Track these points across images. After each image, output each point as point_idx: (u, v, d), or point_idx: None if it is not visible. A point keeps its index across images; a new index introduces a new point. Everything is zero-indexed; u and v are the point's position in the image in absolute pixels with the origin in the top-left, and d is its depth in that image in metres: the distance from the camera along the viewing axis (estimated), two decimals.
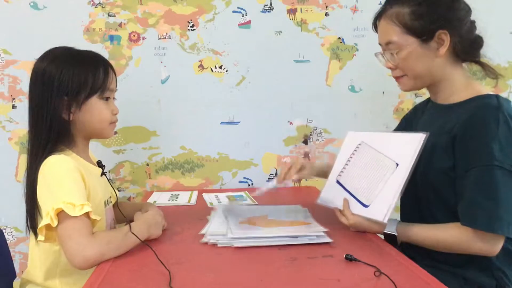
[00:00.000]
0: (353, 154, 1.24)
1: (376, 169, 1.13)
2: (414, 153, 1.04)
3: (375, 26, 1.19)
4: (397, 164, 1.08)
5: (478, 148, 1.00)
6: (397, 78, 1.17)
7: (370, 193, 1.12)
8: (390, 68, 1.16)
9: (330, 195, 1.25)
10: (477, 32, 1.11)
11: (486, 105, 1.03)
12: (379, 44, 1.17)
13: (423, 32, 1.07)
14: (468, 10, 1.10)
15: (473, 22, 1.11)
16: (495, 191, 0.97)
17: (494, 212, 0.96)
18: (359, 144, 1.23)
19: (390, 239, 1.09)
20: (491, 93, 1.07)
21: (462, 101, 1.09)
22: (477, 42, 1.11)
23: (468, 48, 1.09)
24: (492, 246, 0.99)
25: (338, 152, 1.31)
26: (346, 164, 1.25)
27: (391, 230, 1.09)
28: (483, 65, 1.13)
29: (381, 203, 1.08)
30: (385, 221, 1.05)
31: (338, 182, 1.25)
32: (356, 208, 1.14)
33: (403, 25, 1.08)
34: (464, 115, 1.04)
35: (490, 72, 1.12)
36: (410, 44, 1.09)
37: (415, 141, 1.05)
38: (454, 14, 1.07)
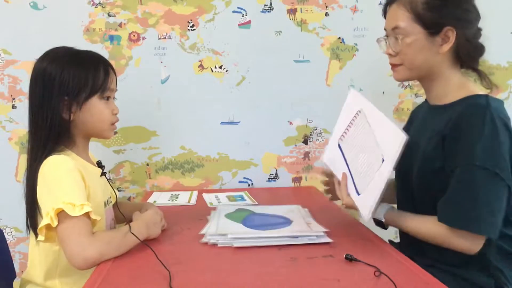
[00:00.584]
0: (353, 120, 1.18)
1: (369, 154, 1.09)
2: (394, 156, 1.00)
3: (385, 11, 1.18)
4: (383, 160, 1.04)
5: (463, 148, 1.00)
6: (393, 66, 1.17)
7: (363, 180, 1.09)
8: (389, 54, 1.16)
9: (332, 157, 1.22)
10: (481, 40, 1.11)
11: (474, 105, 1.03)
12: (385, 29, 1.17)
13: (432, 24, 1.07)
14: (477, 16, 1.10)
15: (479, 29, 1.11)
16: (474, 191, 0.97)
17: (471, 211, 0.97)
18: (359, 111, 1.17)
19: (380, 223, 1.12)
20: (482, 93, 1.08)
21: (454, 101, 1.09)
22: (479, 49, 1.11)
23: (470, 52, 1.09)
24: (470, 244, 0.99)
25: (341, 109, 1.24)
26: (347, 129, 1.19)
27: (379, 216, 1.10)
28: (480, 74, 1.13)
29: (368, 198, 1.05)
30: (367, 219, 1.05)
31: (339, 146, 1.21)
32: (351, 190, 1.12)
33: (414, 13, 1.08)
34: (453, 115, 1.05)
35: (485, 82, 1.12)
36: (417, 33, 1.09)
37: (396, 141, 0.99)
38: (465, 15, 1.08)
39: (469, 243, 0.99)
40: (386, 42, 1.16)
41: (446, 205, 1.01)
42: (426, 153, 1.09)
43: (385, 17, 1.18)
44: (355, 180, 1.12)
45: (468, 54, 1.10)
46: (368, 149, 1.10)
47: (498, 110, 1.02)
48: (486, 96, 1.05)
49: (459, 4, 1.08)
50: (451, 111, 1.07)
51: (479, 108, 1.01)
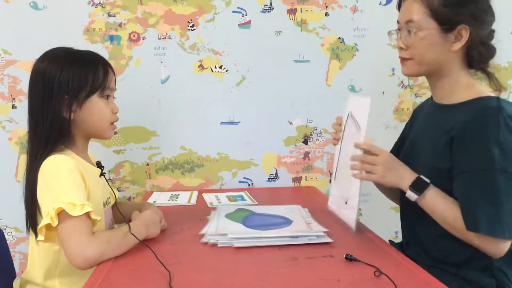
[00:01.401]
0: (345, 122, 1.26)
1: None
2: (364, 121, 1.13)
3: (399, 3, 1.17)
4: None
5: (478, 152, 0.99)
6: (402, 60, 1.15)
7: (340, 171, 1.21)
8: (400, 48, 1.14)
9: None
10: (493, 42, 1.11)
11: (486, 107, 1.02)
12: (397, 22, 1.15)
13: (446, 20, 1.06)
14: (493, 17, 1.10)
15: (493, 31, 1.10)
16: (497, 196, 0.96)
17: (495, 216, 0.96)
18: (349, 112, 1.23)
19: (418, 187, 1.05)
20: (492, 94, 1.07)
21: (462, 102, 1.08)
22: (491, 51, 1.10)
23: (481, 53, 1.08)
24: (496, 248, 0.98)
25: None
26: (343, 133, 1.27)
27: (426, 179, 1.05)
28: (489, 76, 1.12)
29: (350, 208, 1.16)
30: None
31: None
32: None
33: (430, 8, 1.07)
34: (463, 116, 1.04)
35: (494, 84, 1.11)
36: (430, 28, 1.07)
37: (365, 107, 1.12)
38: (481, 16, 1.07)
39: (495, 248, 0.98)
40: (398, 35, 1.15)
41: (470, 212, 0.99)
42: (434, 152, 1.08)
43: (399, 10, 1.17)
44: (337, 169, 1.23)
45: (479, 55, 1.08)
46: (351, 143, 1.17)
47: (509, 112, 1.01)
48: (497, 98, 1.04)
49: (476, 4, 1.06)
50: (460, 112, 1.06)
51: (492, 111, 1.00)
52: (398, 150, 1.29)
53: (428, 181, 1.04)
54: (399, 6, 1.17)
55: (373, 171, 1.07)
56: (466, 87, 1.10)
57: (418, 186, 1.04)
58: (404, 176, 1.07)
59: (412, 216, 1.18)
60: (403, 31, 1.12)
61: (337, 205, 1.28)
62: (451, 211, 1.02)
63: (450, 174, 1.05)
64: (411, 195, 1.05)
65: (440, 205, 1.03)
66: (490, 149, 0.97)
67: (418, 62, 1.12)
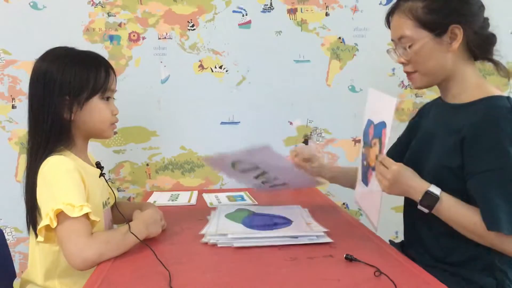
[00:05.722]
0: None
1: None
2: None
3: (388, 21, 1.17)
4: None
5: (493, 151, 0.98)
6: (408, 75, 1.16)
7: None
8: (402, 63, 1.14)
9: None
10: (490, 29, 1.11)
11: (498, 107, 1.01)
12: (392, 40, 1.16)
13: (436, 26, 1.06)
14: (481, 6, 1.09)
15: (486, 19, 1.10)
16: None
17: None
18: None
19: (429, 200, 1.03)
20: (503, 94, 1.06)
21: (472, 101, 1.07)
22: (490, 39, 1.10)
23: (481, 44, 1.08)
24: None
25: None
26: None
27: (436, 190, 1.02)
28: (495, 63, 1.12)
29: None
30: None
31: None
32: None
33: (416, 19, 1.07)
34: (474, 116, 1.03)
35: (502, 70, 1.11)
36: (423, 38, 1.07)
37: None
38: (467, 9, 1.07)
39: None
40: (395, 52, 1.15)
41: (490, 212, 0.97)
42: (443, 151, 1.08)
43: (389, 27, 1.17)
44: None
45: (479, 46, 1.08)
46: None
47: None
48: (508, 97, 1.04)
49: (458, 0, 1.06)
50: (469, 111, 1.05)
51: (504, 111, 1.00)
52: (395, 152, 1.28)
53: (438, 194, 1.01)
54: (388, 24, 1.17)
55: (382, 181, 1.07)
56: (475, 87, 1.09)
57: (428, 202, 1.02)
58: (412, 190, 1.05)
59: (415, 213, 1.17)
60: (399, 48, 1.12)
61: (360, 196, 1.28)
62: (468, 218, 1.00)
63: (460, 172, 1.04)
64: (423, 209, 1.04)
65: (455, 214, 1.02)
66: (505, 148, 0.96)
67: (424, 73, 1.12)
